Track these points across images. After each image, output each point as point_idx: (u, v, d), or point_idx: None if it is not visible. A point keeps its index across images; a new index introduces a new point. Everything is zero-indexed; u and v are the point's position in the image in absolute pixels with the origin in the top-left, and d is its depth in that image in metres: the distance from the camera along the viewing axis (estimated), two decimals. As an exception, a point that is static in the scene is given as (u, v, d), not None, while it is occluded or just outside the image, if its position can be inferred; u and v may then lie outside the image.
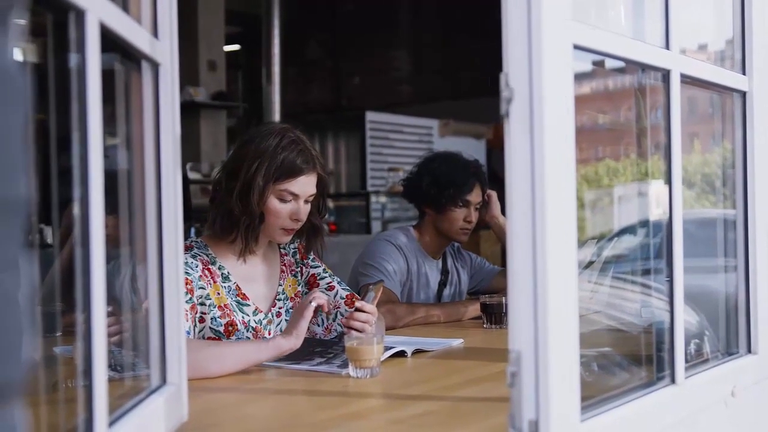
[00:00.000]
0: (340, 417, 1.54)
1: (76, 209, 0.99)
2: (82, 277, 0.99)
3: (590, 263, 2.10)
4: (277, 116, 8.50)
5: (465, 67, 9.13)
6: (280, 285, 2.30)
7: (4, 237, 0.56)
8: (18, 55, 0.59)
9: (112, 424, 1.08)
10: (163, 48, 1.33)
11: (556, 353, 1.14)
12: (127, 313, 1.50)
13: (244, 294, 2.20)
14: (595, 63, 1.45)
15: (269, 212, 2.15)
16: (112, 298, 1.14)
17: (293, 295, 2.32)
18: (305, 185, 2.16)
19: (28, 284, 0.59)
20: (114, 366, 1.32)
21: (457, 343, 2.31)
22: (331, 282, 2.35)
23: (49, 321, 1.79)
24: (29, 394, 0.69)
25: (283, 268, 2.33)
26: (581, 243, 1.26)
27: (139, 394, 1.27)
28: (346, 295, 2.32)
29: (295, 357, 2.00)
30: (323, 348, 2.10)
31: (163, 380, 1.35)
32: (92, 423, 0.99)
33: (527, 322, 1.14)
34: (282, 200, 2.15)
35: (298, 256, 2.37)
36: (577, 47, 1.22)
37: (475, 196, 2.97)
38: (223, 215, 2.15)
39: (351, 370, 1.84)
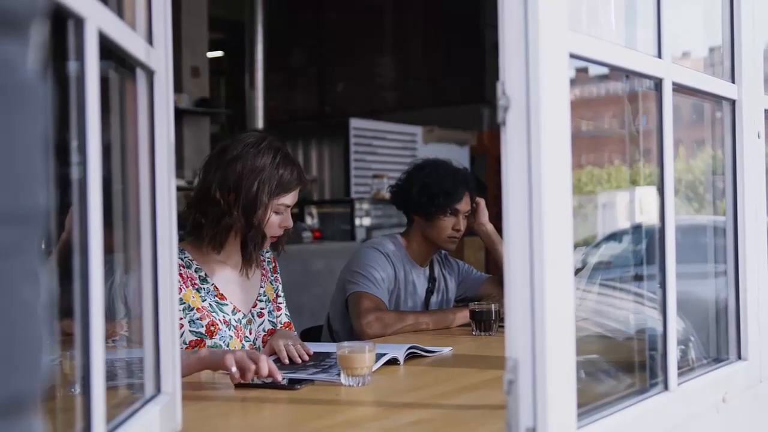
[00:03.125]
0: (334, 426, 1.54)
1: (74, 217, 0.98)
2: (80, 285, 0.98)
3: (577, 270, 2.11)
4: (260, 123, 8.48)
5: (449, 74, 9.16)
6: (262, 287, 2.38)
7: (24, 248, 0.56)
8: (38, 65, 0.59)
9: (108, 434, 1.07)
10: (158, 55, 1.33)
11: (553, 360, 1.14)
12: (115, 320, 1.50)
13: (222, 294, 2.25)
14: (578, 69, 1.45)
15: (266, 225, 2.24)
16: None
17: (272, 299, 2.42)
18: (296, 196, 2.29)
19: (46, 294, 0.59)
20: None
21: (447, 350, 2.31)
22: (281, 304, 2.47)
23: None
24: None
25: (263, 272, 2.42)
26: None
27: (134, 403, 1.26)
28: (285, 322, 2.43)
29: (290, 368, 1.99)
30: (316, 360, 2.09)
31: (158, 389, 1.34)
32: (90, 433, 0.98)
33: (524, 330, 1.14)
34: (277, 213, 2.25)
35: (271, 267, 2.47)
36: (573, 56, 1.23)
37: (464, 205, 2.98)
38: (225, 230, 2.21)
39: (343, 378, 1.83)
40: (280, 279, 2.49)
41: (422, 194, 2.96)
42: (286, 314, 2.47)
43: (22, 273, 0.55)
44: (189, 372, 1.91)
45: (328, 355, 2.15)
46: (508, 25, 1.15)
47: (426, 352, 2.22)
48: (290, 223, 2.29)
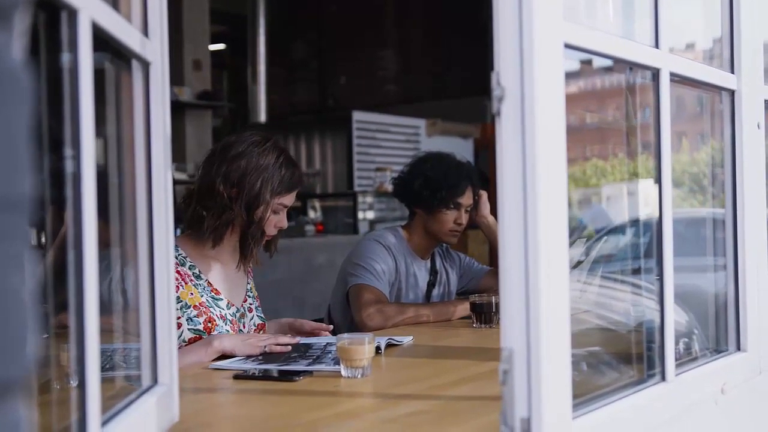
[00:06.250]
0: (332, 417, 1.54)
1: (68, 211, 0.98)
2: (75, 278, 0.98)
3: (579, 263, 2.10)
4: (262, 116, 8.48)
5: (452, 67, 9.15)
6: (248, 283, 2.43)
7: (9, 235, 0.56)
8: (21, 54, 0.59)
9: (104, 424, 1.07)
10: (153, 47, 1.32)
11: (548, 351, 1.14)
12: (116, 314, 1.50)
13: (216, 289, 2.28)
14: (582, 62, 1.45)
15: (266, 222, 2.27)
16: (101, 299, 1.14)
17: (256, 297, 2.46)
18: (294, 197, 2.33)
19: (32, 282, 0.59)
20: (104, 366, 1.32)
21: (407, 340, 2.33)
22: (257, 304, 2.47)
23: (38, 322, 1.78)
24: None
25: (249, 269, 2.45)
26: (570, 242, 1.26)
27: (131, 394, 1.27)
28: (258, 324, 2.42)
29: (278, 362, 1.98)
30: (300, 352, 2.09)
31: (155, 380, 1.34)
32: (85, 423, 0.98)
33: (519, 320, 1.15)
34: (275, 212, 2.28)
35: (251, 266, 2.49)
36: (568, 46, 1.22)
37: (466, 199, 2.97)
38: (225, 224, 2.24)
39: (342, 369, 1.83)
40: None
41: (425, 187, 2.96)
42: (259, 316, 2.49)
43: (7, 259, 0.56)
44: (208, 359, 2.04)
45: (308, 346, 2.15)
46: (502, 15, 1.14)
47: (395, 341, 2.27)
48: (285, 224, 2.34)
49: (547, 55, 1.15)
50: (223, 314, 2.25)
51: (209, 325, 2.20)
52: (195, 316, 2.19)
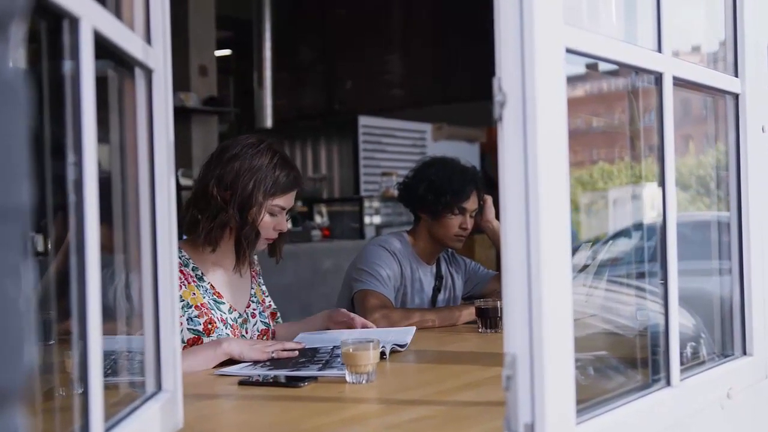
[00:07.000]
0: (336, 422, 1.54)
1: (71, 217, 0.98)
2: (78, 284, 0.98)
3: (585, 266, 2.10)
4: (269, 121, 8.49)
5: (458, 71, 9.14)
6: (252, 288, 2.42)
7: (6, 243, 0.56)
8: (19, 63, 0.59)
9: (108, 431, 1.07)
10: (156, 54, 1.33)
11: (551, 356, 1.14)
12: (120, 320, 1.50)
13: (219, 293, 2.29)
14: (588, 66, 1.45)
15: (260, 224, 2.27)
16: (106, 306, 1.14)
17: (261, 301, 2.45)
18: (292, 199, 2.32)
19: (29, 290, 0.60)
20: (107, 371, 1.32)
21: (410, 333, 2.36)
22: (270, 303, 2.50)
23: (43, 329, 1.79)
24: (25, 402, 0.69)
25: (253, 274, 2.45)
26: (576, 246, 1.26)
27: (135, 400, 1.27)
28: (262, 329, 2.42)
29: (287, 367, 1.98)
30: (308, 357, 2.09)
31: (159, 387, 1.34)
32: (88, 430, 0.98)
33: (522, 325, 1.14)
34: (271, 214, 2.28)
35: (259, 270, 2.51)
36: (569, 51, 1.22)
37: (471, 204, 2.97)
38: (220, 227, 2.24)
39: (347, 375, 1.83)
40: (263, 281, 2.53)
41: (429, 192, 2.96)
42: (263, 321, 2.47)
43: (3, 268, 0.56)
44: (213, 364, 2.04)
45: (314, 351, 2.15)
46: (503, 20, 1.14)
47: (398, 347, 2.25)
48: (284, 227, 2.32)
49: (548, 60, 1.15)
50: (224, 318, 2.25)
51: (209, 326, 2.20)
52: (196, 317, 2.19)
